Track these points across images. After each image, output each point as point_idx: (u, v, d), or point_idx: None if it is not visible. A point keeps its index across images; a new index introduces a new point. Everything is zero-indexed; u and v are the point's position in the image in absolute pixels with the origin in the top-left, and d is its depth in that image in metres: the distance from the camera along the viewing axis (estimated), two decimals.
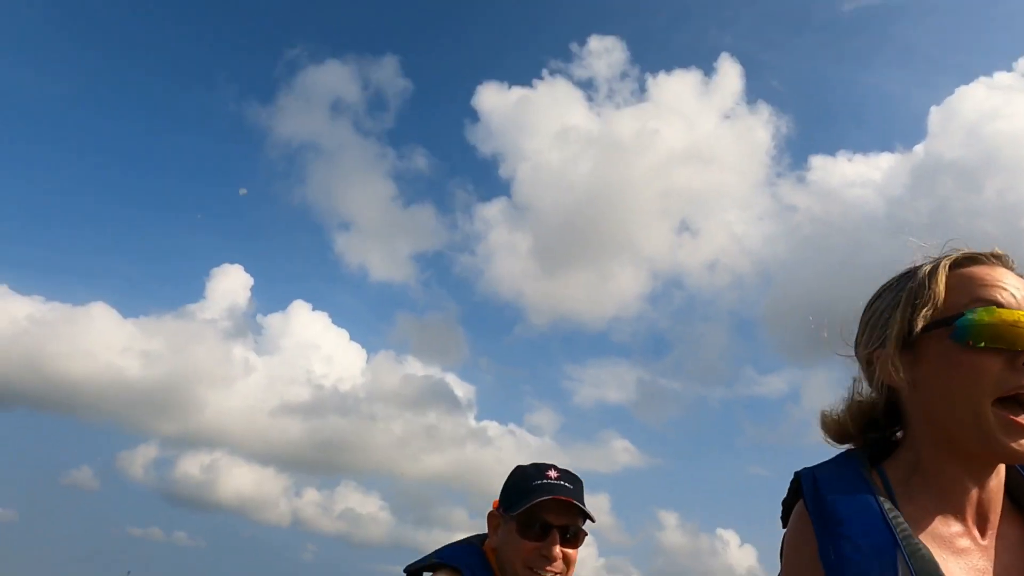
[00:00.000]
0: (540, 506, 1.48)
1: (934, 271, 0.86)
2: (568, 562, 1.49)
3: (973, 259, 0.87)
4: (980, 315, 0.79)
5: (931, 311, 0.83)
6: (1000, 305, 0.80)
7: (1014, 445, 0.77)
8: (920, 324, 0.83)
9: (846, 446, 0.92)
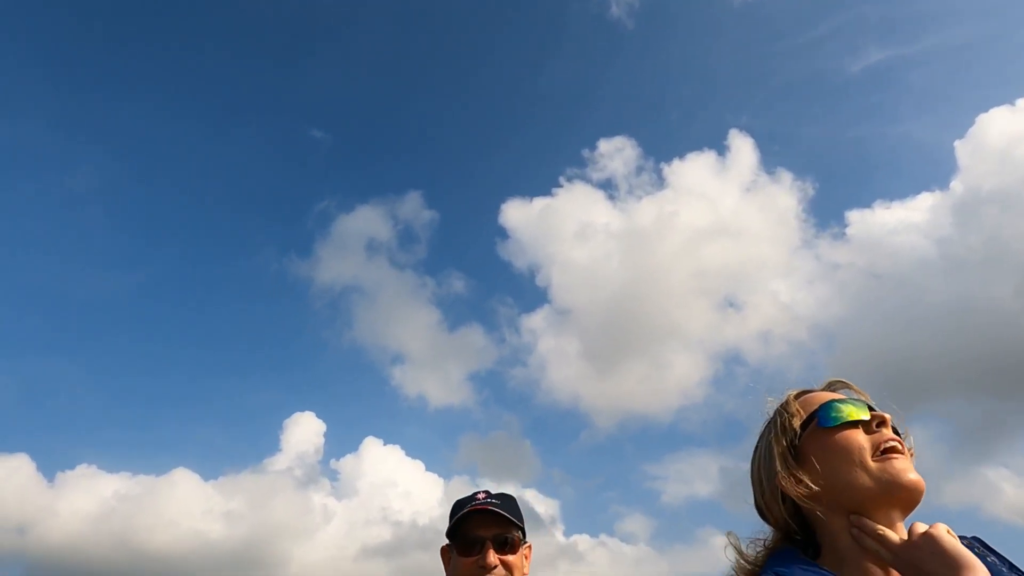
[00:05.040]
0: (469, 523, 1.62)
1: (785, 403, 1.12)
2: (509, 568, 1.60)
3: (806, 391, 1.13)
4: (834, 403, 1.06)
5: (797, 420, 1.08)
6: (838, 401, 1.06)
7: (903, 476, 0.97)
8: (795, 432, 1.06)
9: None
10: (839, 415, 1.03)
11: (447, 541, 1.69)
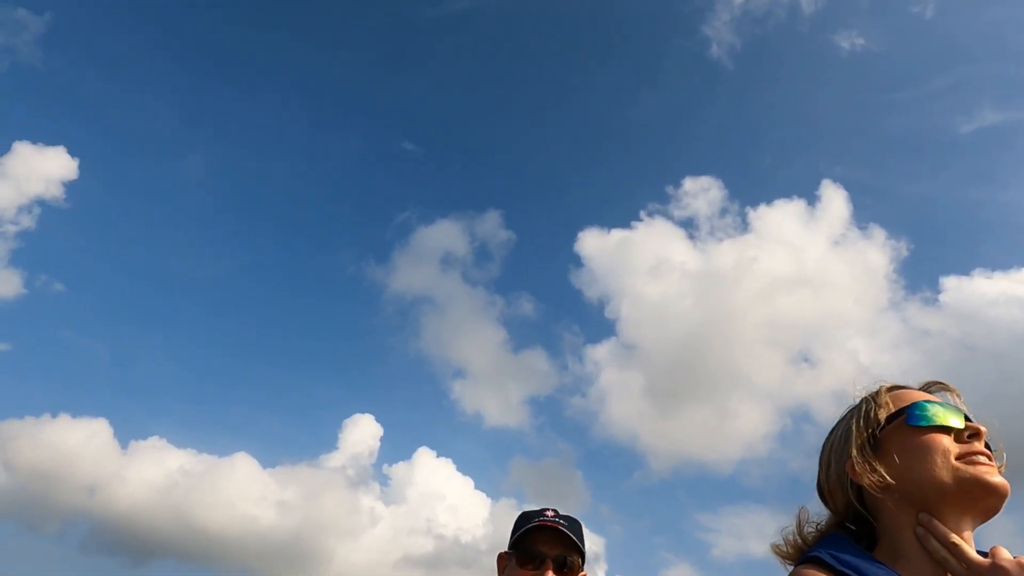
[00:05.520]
0: (534, 538, 1.62)
1: (876, 393, 1.09)
2: None
3: (900, 387, 1.09)
4: (927, 404, 1.02)
5: (884, 412, 1.04)
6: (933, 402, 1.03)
7: (986, 475, 0.94)
8: (878, 423, 1.03)
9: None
10: (930, 416, 0.99)
11: (507, 549, 1.70)
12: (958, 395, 1.07)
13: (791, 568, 1.02)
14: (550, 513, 1.68)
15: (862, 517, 1.04)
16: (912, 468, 0.97)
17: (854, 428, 1.05)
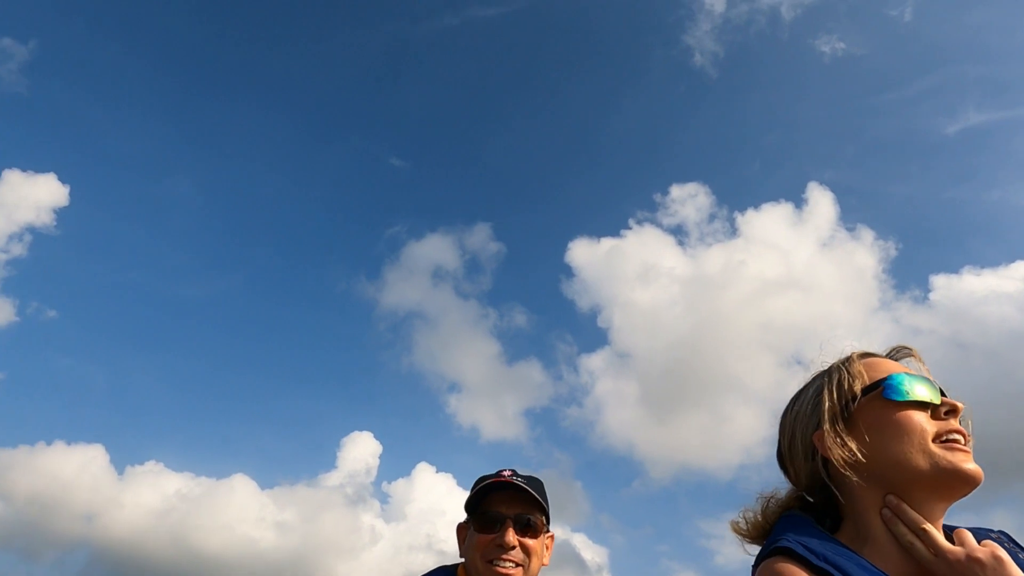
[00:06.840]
0: (490, 499, 1.50)
1: (847, 360, 1.04)
2: (528, 552, 1.47)
3: (870, 354, 1.06)
4: (904, 377, 0.97)
5: (859, 383, 0.99)
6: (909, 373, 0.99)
7: (963, 464, 0.91)
8: (852, 394, 0.98)
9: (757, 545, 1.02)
10: (910, 391, 0.94)
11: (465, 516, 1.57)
12: (923, 362, 1.04)
13: (752, 548, 0.99)
14: (507, 473, 1.54)
15: (825, 489, 0.99)
16: (886, 447, 0.93)
17: (826, 397, 1.00)
